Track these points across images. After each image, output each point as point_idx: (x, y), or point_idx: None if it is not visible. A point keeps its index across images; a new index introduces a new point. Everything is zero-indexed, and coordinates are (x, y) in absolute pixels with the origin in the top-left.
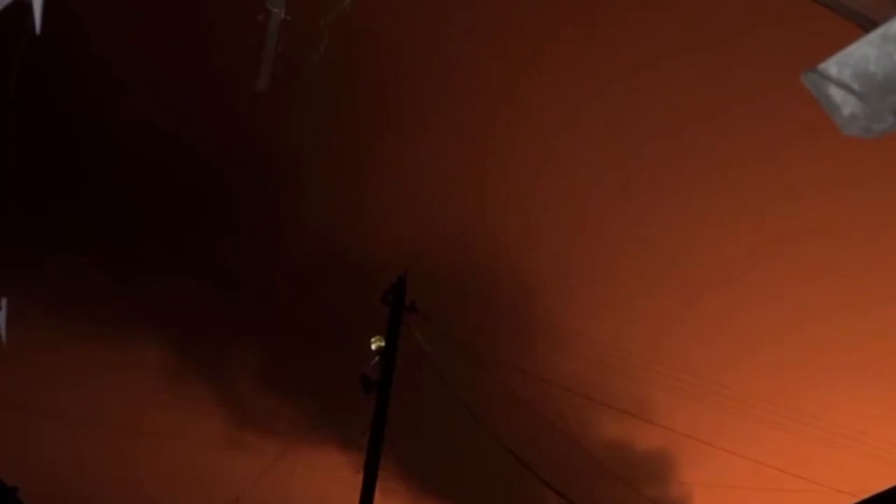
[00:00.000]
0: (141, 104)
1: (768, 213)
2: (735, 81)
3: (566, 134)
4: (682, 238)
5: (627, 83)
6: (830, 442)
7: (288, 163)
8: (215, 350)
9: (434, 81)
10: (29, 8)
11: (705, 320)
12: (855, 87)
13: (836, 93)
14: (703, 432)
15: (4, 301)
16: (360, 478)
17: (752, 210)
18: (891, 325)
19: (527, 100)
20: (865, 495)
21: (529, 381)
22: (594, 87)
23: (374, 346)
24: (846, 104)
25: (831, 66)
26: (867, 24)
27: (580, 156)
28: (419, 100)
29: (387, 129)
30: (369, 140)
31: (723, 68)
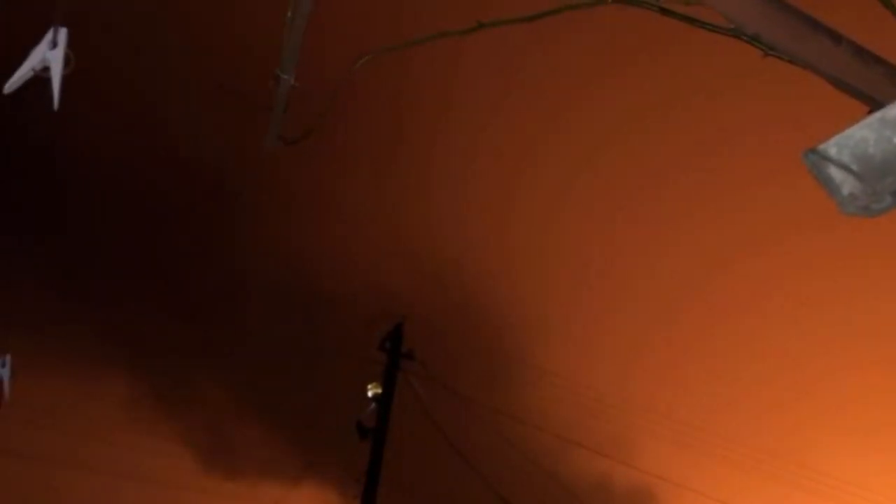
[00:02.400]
0: (110, 130)
1: (760, 255)
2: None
3: (558, 179)
4: (669, 283)
5: (635, 122)
6: (817, 491)
7: (283, 205)
8: (203, 395)
9: (428, 121)
10: (47, 84)
11: (693, 368)
12: (854, 167)
13: (835, 173)
14: (696, 481)
15: (8, 358)
16: None
17: (742, 253)
18: (879, 380)
19: (522, 142)
20: None
21: (524, 428)
22: (592, 133)
23: (370, 393)
24: (845, 184)
25: (831, 147)
26: (869, 101)
27: (572, 201)
28: (410, 141)
29: (381, 173)
30: (363, 182)
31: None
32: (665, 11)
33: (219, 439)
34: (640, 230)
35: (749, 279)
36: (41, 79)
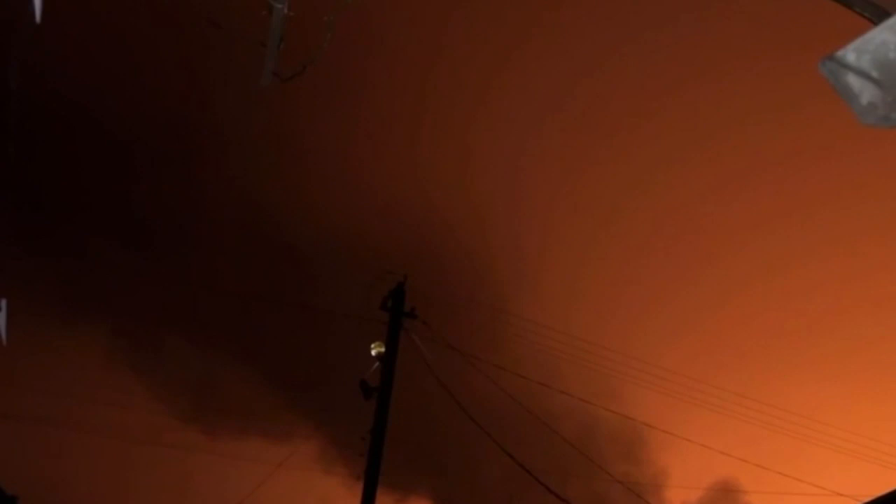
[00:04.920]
0: (80, 74)
1: (746, 199)
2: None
3: (537, 134)
4: (657, 233)
5: (605, 60)
6: (797, 433)
7: (280, 164)
8: (212, 358)
9: (421, 77)
10: None
11: (681, 317)
12: (874, 74)
13: (854, 81)
14: (678, 426)
15: (4, 302)
16: (360, 483)
17: (729, 199)
18: (876, 328)
19: (510, 100)
20: (849, 496)
21: (525, 383)
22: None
23: (373, 352)
24: (864, 92)
25: (849, 52)
26: (879, 16)
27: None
28: (408, 100)
29: (377, 134)
30: (361, 143)
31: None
32: None
33: (222, 400)
34: (623, 178)
35: (725, 227)
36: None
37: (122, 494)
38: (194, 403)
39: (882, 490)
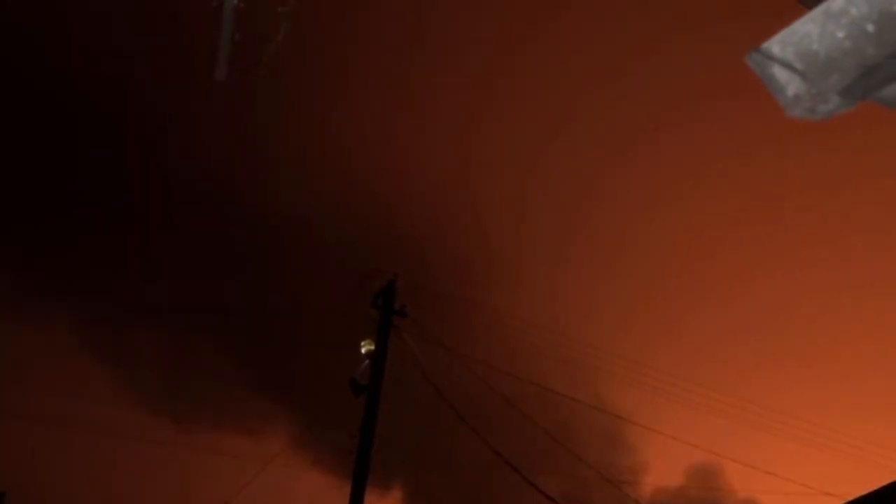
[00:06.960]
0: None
1: (715, 197)
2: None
3: (540, 139)
4: (641, 235)
5: (612, 80)
6: (783, 433)
7: (268, 165)
8: (205, 356)
9: (407, 71)
10: None
11: (664, 316)
12: (798, 66)
13: (779, 73)
14: (663, 424)
15: None
16: (348, 480)
17: (713, 201)
18: (855, 327)
19: (505, 100)
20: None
21: (517, 382)
22: (580, 87)
23: (363, 350)
24: (790, 84)
25: (774, 45)
26: (810, 2)
27: (554, 157)
28: (397, 95)
29: (367, 132)
30: (350, 141)
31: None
32: None
33: (209, 398)
34: (609, 184)
35: (706, 229)
36: None
37: (113, 491)
38: (179, 400)
39: (858, 486)
